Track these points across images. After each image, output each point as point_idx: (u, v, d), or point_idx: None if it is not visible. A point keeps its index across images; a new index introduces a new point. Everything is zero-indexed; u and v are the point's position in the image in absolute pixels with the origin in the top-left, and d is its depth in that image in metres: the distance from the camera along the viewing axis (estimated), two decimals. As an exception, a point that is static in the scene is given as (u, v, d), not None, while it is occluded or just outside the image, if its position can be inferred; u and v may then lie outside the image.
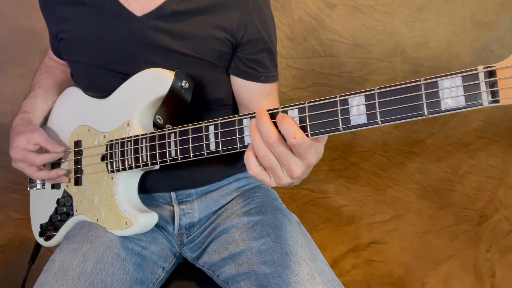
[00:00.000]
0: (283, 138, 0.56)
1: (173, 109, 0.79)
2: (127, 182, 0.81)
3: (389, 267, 1.52)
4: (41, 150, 0.88)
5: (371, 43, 2.10)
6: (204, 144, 0.66)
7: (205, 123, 0.66)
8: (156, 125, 0.79)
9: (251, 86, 0.86)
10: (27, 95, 0.96)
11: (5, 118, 1.93)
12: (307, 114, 0.57)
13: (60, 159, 0.89)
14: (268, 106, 0.79)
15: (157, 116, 0.78)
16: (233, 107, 0.92)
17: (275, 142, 0.55)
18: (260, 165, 0.59)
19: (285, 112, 0.58)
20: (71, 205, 0.88)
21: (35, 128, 0.87)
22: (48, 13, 0.89)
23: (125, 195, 0.80)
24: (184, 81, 0.76)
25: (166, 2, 0.80)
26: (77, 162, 0.87)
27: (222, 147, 0.65)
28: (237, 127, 0.63)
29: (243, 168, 0.98)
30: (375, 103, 0.52)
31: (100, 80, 0.86)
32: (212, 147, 0.66)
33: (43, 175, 0.86)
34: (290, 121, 0.55)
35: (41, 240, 0.94)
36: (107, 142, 0.80)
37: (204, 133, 0.66)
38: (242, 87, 0.86)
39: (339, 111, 0.55)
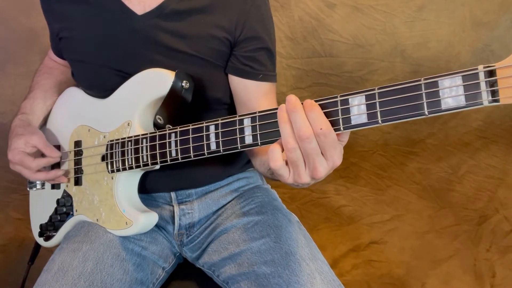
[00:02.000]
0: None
1: (174, 109, 0.79)
2: (127, 182, 0.81)
3: (389, 267, 1.52)
4: (39, 153, 0.87)
5: (371, 43, 2.10)
6: (205, 144, 0.66)
7: (206, 123, 0.66)
8: (156, 125, 0.79)
9: (249, 84, 0.85)
10: (26, 96, 0.96)
11: (5, 118, 1.93)
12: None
13: (60, 158, 0.89)
14: (267, 106, 0.79)
15: (157, 116, 0.78)
16: (232, 107, 0.92)
17: (308, 137, 0.53)
18: (283, 159, 0.57)
19: None
20: (71, 205, 0.88)
21: (34, 131, 0.87)
22: (49, 11, 0.89)
23: (125, 195, 0.80)
24: (184, 81, 0.76)
25: (166, 0, 0.80)
26: (77, 162, 0.87)
27: (222, 147, 0.65)
28: (237, 127, 0.63)
29: (243, 168, 0.98)
30: (375, 102, 0.53)
31: (101, 79, 0.86)
32: (213, 147, 0.66)
33: (41, 176, 0.86)
34: (319, 109, 0.54)
35: (40, 240, 0.94)
36: (107, 142, 0.80)
37: (204, 133, 0.66)
38: (240, 86, 0.86)
39: (339, 111, 0.55)
